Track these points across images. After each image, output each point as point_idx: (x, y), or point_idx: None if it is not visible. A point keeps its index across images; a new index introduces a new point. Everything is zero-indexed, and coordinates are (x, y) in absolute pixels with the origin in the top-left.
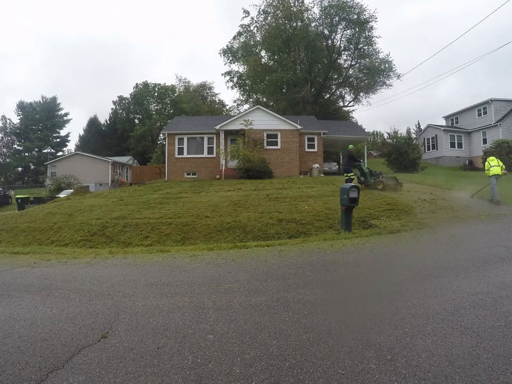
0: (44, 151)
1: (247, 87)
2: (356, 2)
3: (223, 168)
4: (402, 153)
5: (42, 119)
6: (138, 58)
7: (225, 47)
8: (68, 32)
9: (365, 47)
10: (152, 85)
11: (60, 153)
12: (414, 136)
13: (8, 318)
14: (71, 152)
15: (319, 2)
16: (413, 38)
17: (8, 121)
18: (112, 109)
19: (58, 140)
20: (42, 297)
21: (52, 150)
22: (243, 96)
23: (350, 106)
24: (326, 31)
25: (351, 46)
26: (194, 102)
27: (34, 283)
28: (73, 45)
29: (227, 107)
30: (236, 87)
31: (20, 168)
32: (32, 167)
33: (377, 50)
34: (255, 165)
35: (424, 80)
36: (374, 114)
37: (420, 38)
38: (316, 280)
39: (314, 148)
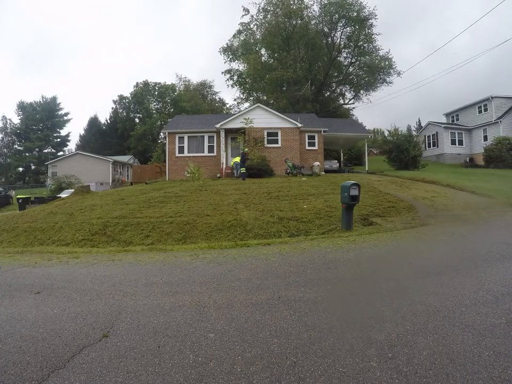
0: (44, 151)
1: (247, 86)
2: None
3: (224, 166)
4: (403, 150)
5: (42, 119)
6: (138, 58)
7: (225, 45)
8: (67, 32)
9: (365, 45)
10: (153, 84)
11: (61, 153)
12: (414, 133)
13: (9, 318)
14: (71, 152)
15: (319, 0)
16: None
17: (8, 121)
18: (112, 108)
19: (58, 139)
20: (44, 297)
21: (53, 150)
22: (243, 95)
23: (350, 104)
24: (325, 29)
25: (351, 43)
26: (194, 101)
27: (36, 283)
28: (73, 45)
29: (227, 105)
30: (236, 86)
31: (20, 168)
32: (32, 167)
33: (377, 47)
34: (255, 163)
35: (424, 78)
36: (375, 111)
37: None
38: (317, 278)
39: (314, 146)
